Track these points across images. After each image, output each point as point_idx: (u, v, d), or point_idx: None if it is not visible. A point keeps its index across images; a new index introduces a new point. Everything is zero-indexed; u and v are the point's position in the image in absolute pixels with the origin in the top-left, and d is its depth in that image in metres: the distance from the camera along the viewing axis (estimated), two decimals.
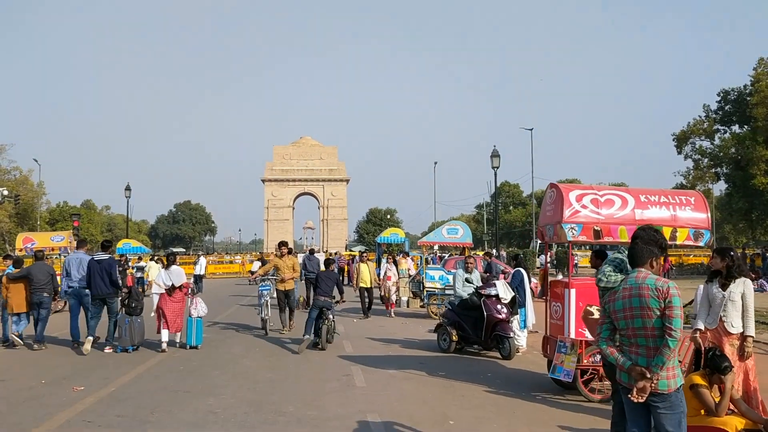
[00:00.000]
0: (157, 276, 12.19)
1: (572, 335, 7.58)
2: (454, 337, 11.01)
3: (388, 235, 31.26)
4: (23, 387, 8.36)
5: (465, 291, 11.40)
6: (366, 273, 16.78)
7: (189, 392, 7.96)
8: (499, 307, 10.62)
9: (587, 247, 60.14)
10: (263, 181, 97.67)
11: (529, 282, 11.46)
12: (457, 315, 11.23)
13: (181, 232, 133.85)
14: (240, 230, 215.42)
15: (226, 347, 11.70)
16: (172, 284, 11.58)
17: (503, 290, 10.75)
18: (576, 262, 48.89)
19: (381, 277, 18.07)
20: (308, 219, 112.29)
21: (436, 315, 16.53)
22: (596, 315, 7.54)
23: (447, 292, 16.54)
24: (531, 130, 54.27)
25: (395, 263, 18.75)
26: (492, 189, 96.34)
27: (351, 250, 58.85)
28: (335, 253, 47.55)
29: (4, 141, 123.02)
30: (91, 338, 11.09)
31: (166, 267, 12.02)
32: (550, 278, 19.12)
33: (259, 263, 39.58)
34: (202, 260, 27.44)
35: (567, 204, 7.58)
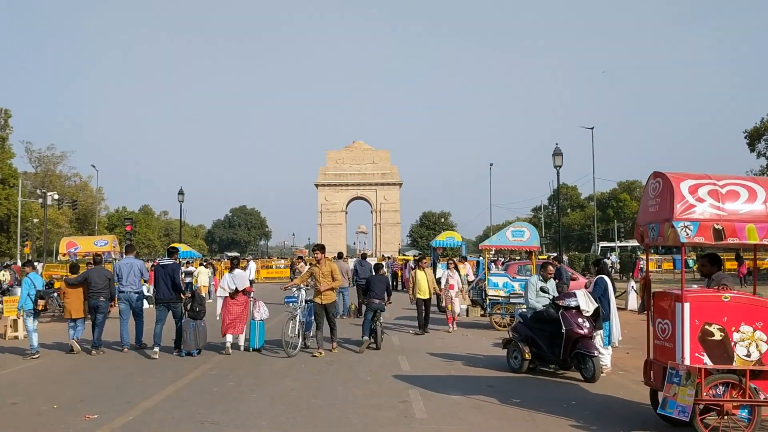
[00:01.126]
0: (222, 280, 12.52)
1: (687, 361, 6.04)
2: (526, 355, 9.53)
3: (444, 238, 29.84)
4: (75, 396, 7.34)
5: (539, 301, 9.91)
6: (424, 282, 14.32)
7: (217, 424, 6.74)
8: (580, 320, 9.10)
9: (661, 250, 57.42)
10: (317, 185, 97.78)
11: (614, 292, 9.85)
12: (530, 329, 9.76)
13: (236, 236, 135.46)
14: (294, 234, 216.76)
15: (267, 363, 10.51)
16: (236, 287, 11.88)
17: (584, 301, 9.22)
18: (641, 266, 46.35)
19: (442, 286, 15.54)
20: (361, 224, 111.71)
21: (499, 326, 15.06)
22: (717, 336, 6.02)
23: (512, 300, 15.04)
24: (592, 128, 52.33)
25: (456, 269, 16.44)
26: (554, 189, 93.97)
27: (404, 255, 57.51)
28: (388, 258, 46.38)
29: (65, 148, 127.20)
30: (157, 348, 11.31)
31: (230, 270, 12.36)
32: (626, 287, 17.33)
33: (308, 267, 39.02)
34: (252, 265, 26.56)
35: (678, 197, 6.05)
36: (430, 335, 14.04)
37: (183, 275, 26.78)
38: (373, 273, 14.22)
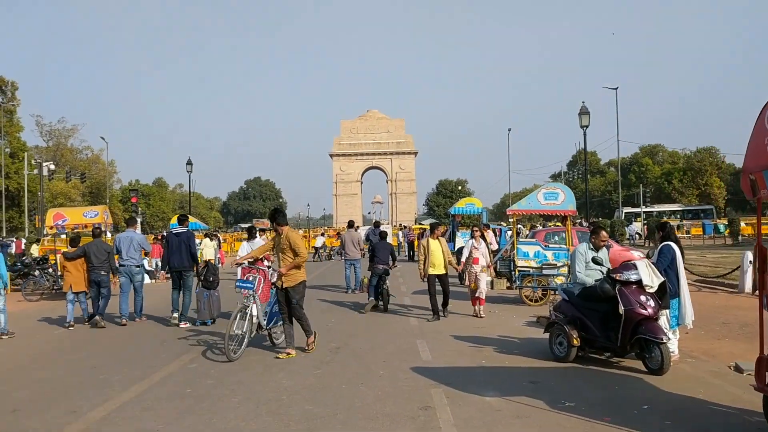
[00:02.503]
0: (241, 248, 12.50)
1: None
2: (574, 341, 7.75)
3: (463, 205, 27.92)
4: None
5: (589, 275, 8.11)
6: (438, 253, 11.62)
7: None
8: (642, 298, 7.30)
9: (688, 215, 55.11)
10: (331, 156, 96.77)
11: (683, 259, 7.97)
12: (577, 309, 7.98)
13: (252, 208, 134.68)
14: (308, 205, 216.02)
15: (260, 353, 8.78)
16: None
17: (647, 274, 7.41)
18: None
19: (463, 258, 12.46)
20: (377, 193, 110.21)
21: (531, 301, 13.30)
22: None
23: (545, 271, 13.24)
24: (616, 89, 49.75)
25: (483, 239, 13.07)
26: (576, 152, 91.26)
27: (421, 224, 55.73)
28: (405, 227, 44.65)
29: (75, 121, 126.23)
30: (176, 314, 11.59)
31: (249, 239, 12.51)
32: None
33: (322, 238, 37.24)
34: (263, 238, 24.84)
35: None
36: (453, 311, 12.30)
37: None
38: (381, 240, 14.19)
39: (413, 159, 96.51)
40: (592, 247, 8.28)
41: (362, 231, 25.41)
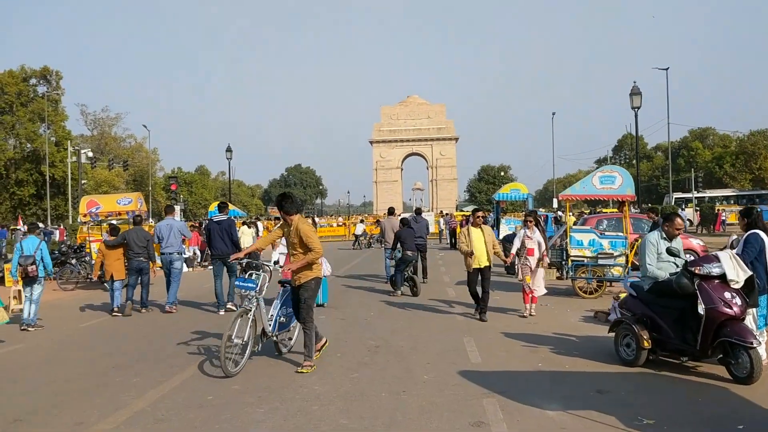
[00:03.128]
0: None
1: None
2: (645, 343, 6.80)
3: (508, 191, 26.82)
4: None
5: (662, 268, 7.13)
6: (480, 243, 10.06)
7: None
8: (727, 295, 6.31)
9: (736, 201, 52.69)
10: (371, 142, 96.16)
11: None
12: (648, 306, 7.02)
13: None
14: (348, 192, 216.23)
15: (291, 355, 7.94)
16: None
17: (732, 267, 6.41)
18: (724, 218, 42.21)
19: (514, 250, 10.66)
20: (417, 180, 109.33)
21: (584, 293, 12.32)
22: None
23: (600, 261, 12.23)
24: (666, 69, 47.59)
25: (538, 225, 11.08)
26: (625, 135, 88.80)
27: (462, 210, 54.56)
28: (446, 214, 43.69)
29: (119, 110, 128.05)
30: (222, 311, 11.48)
31: None
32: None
33: (363, 226, 36.52)
34: None
35: None
36: (502, 306, 11.41)
37: None
38: (403, 227, 14.13)
39: (454, 145, 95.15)
40: (664, 236, 7.29)
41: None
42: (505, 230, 25.46)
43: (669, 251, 6.99)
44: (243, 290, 7.26)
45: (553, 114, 66.64)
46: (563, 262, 12.95)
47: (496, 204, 27.46)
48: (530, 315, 10.35)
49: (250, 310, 7.09)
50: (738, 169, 72.36)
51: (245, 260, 9.24)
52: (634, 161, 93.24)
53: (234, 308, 11.20)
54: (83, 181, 47.57)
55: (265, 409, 5.63)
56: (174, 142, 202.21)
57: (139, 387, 6.45)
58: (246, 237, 22.85)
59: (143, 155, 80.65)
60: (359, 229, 34.98)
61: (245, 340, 6.97)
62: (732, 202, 52.11)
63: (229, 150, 41.54)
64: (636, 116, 26.88)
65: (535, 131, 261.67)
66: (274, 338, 7.51)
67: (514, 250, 10.68)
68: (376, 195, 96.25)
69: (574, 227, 13.29)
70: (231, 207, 28.69)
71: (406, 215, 18.40)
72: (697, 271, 6.48)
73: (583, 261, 12.31)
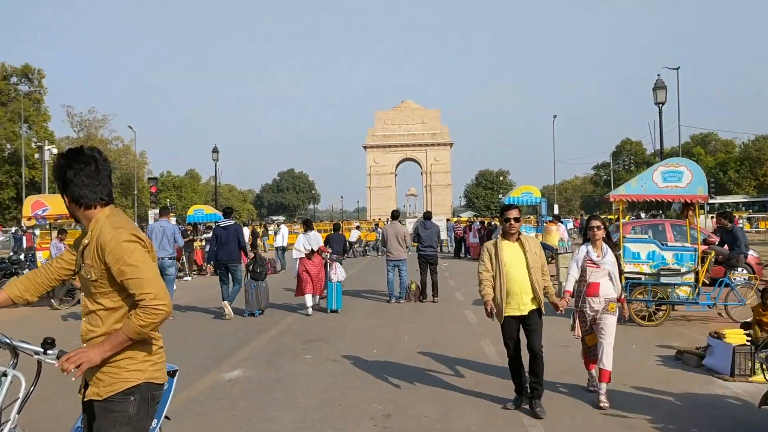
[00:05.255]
0: (297, 242, 12.31)
1: None
2: None
3: (519, 194, 24.25)
4: None
5: None
6: (519, 271, 5.66)
7: None
8: None
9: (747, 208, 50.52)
10: (365, 147, 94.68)
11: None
12: None
13: (285, 200, 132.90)
14: (342, 197, 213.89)
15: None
16: (311, 248, 11.87)
17: None
18: (741, 225, 39.67)
19: (570, 285, 6.20)
20: (411, 186, 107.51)
21: (642, 319, 9.83)
22: None
23: (662, 280, 9.74)
24: (677, 69, 45.33)
25: (608, 240, 6.28)
26: (655, 132, 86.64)
27: (458, 216, 52.07)
28: (449, 220, 41.11)
29: (107, 111, 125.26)
30: (228, 303, 11.29)
31: (305, 232, 12.34)
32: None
33: (357, 232, 33.97)
34: (284, 230, 21.67)
35: None
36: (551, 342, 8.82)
37: (203, 242, 22.41)
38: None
39: (449, 150, 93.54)
40: None
41: (410, 224, 22.14)
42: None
43: None
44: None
45: (554, 117, 64.20)
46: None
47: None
48: (602, 402, 5.75)
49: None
50: (743, 176, 70.31)
51: (252, 266, 11.43)
52: (632, 167, 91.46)
53: (227, 309, 11.22)
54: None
55: None
56: (164, 146, 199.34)
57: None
58: None
59: (131, 158, 77.96)
60: (353, 236, 32.33)
61: None
62: (743, 208, 49.96)
63: (215, 151, 38.91)
64: (660, 113, 24.47)
65: (532, 137, 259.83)
66: None
67: (569, 285, 6.21)
68: (370, 200, 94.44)
69: (628, 236, 10.80)
70: (212, 210, 26.28)
71: (438, 220, 15.74)
72: None
73: (641, 279, 9.81)
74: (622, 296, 6.25)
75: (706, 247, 10.71)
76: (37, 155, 47.19)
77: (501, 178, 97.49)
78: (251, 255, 12.11)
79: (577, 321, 6.20)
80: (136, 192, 66.10)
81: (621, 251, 9.98)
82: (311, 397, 6.02)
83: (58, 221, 14.27)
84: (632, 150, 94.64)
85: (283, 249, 20.60)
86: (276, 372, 7.09)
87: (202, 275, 21.75)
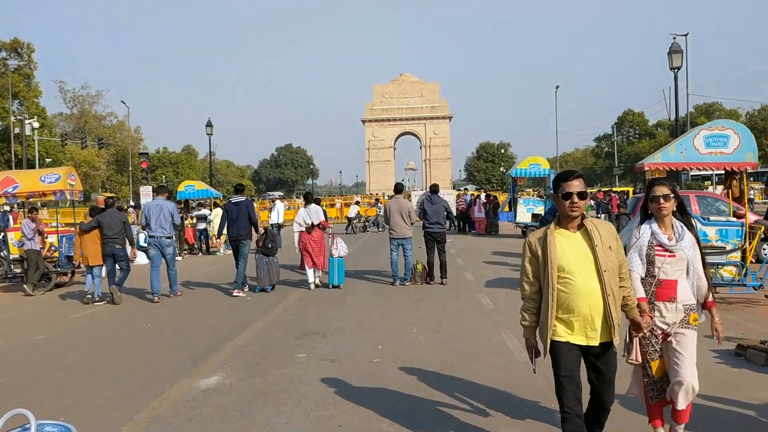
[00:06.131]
0: (297, 215, 12.55)
1: None
2: None
3: (527, 166, 23.24)
4: None
5: None
6: (586, 276, 3.52)
7: None
8: None
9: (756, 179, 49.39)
10: (363, 121, 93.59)
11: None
12: None
13: (283, 176, 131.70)
14: (341, 172, 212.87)
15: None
16: (312, 222, 11.87)
17: None
18: (752, 196, 38.81)
19: (645, 297, 4.03)
20: (410, 160, 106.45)
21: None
22: None
23: (707, 259, 8.55)
24: (686, 35, 43.80)
25: (682, 213, 4.18)
26: (670, 98, 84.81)
27: (462, 190, 50.87)
28: (461, 192, 39.84)
29: (100, 87, 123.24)
30: (234, 291, 11.34)
31: (305, 205, 12.34)
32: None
33: (356, 208, 32.79)
34: (279, 205, 20.44)
35: None
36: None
37: (194, 220, 21.26)
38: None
39: (448, 124, 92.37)
40: None
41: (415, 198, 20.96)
42: (523, 213, 21.86)
43: None
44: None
45: (557, 87, 62.81)
46: None
47: (513, 181, 23.83)
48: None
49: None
50: None
51: (263, 241, 11.61)
52: (633, 139, 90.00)
53: (234, 292, 11.27)
54: (48, 159, 43.48)
55: None
56: (161, 122, 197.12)
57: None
58: (218, 219, 19.24)
59: (126, 134, 76.43)
60: (352, 211, 31.11)
61: None
62: (752, 179, 48.83)
63: (209, 125, 37.52)
64: (675, 78, 23.31)
65: (533, 108, 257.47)
66: None
67: (640, 289, 4.04)
68: (369, 175, 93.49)
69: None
70: (204, 186, 25.14)
71: (447, 195, 13.66)
72: None
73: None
74: (710, 298, 4.13)
75: (754, 220, 9.55)
76: (17, 129, 45.53)
77: (502, 151, 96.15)
78: (261, 230, 12.03)
79: (636, 340, 4.02)
80: (131, 169, 64.64)
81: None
82: (303, 417, 4.84)
83: (30, 199, 13.12)
84: (634, 121, 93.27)
85: (279, 226, 19.40)
86: (262, 378, 5.91)
87: (193, 254, 20.74)
